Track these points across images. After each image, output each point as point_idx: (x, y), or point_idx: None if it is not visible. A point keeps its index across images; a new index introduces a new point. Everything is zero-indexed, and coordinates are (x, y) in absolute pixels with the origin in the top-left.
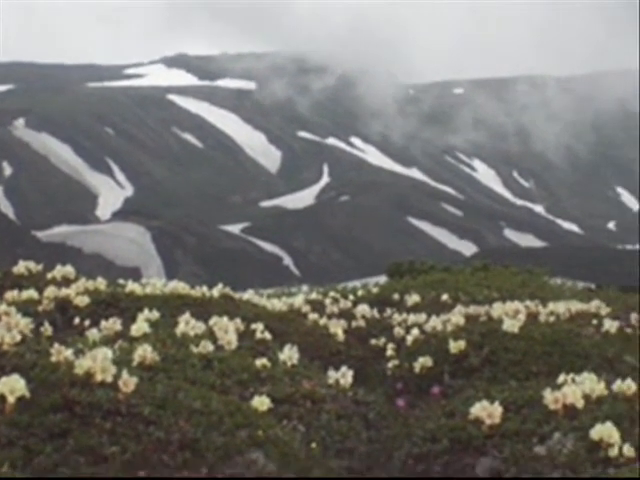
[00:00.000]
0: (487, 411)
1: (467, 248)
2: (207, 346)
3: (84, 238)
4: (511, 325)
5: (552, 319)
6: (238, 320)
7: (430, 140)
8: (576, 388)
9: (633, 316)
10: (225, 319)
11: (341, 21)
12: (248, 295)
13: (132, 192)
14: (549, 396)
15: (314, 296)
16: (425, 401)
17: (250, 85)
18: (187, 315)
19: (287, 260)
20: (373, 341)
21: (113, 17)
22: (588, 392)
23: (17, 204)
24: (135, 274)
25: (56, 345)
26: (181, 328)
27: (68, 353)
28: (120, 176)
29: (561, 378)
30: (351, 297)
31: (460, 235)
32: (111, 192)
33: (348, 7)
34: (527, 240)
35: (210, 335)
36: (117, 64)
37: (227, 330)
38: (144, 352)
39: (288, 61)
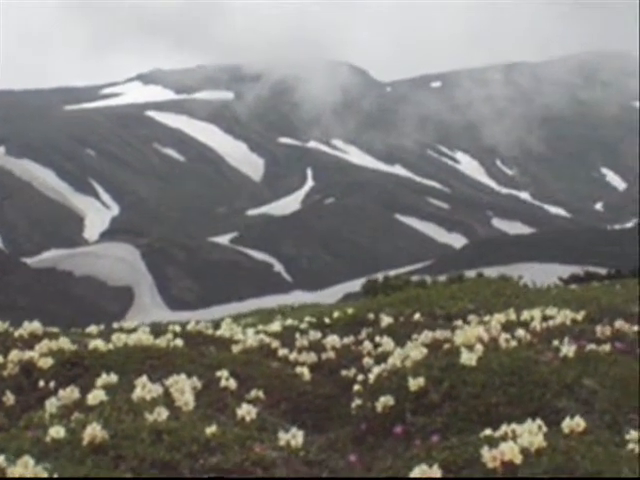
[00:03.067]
0: (427, 474)
1: (457, 240)
2: (161, 413)
3: (74, 261)
4: (468, 358)
5: (513, 344)
6: (195, 379)
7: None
8: (513, 445)
9: (599, 328)
10: (183, 377)
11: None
12: (225, 325)
13: (118, 211)
14: (487, 454)
15: (289, 322)
16: (389, 441)
17: (228, 95)
18: (144, 378)
19: (278, 267)
20: (344, 372)
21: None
22: (527, 445)
23: (4, 232)
24: (127, 293)
25: None
26: (137, 393)
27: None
28: (105, 196)
29: (502, 429)
30: (327, 320)
31: (449, 228)
32: (97, 213)
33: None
34: (516, 228)
35: (167, 396)
36: (93, 84)
37: (183, 391)
38: (93, 431)
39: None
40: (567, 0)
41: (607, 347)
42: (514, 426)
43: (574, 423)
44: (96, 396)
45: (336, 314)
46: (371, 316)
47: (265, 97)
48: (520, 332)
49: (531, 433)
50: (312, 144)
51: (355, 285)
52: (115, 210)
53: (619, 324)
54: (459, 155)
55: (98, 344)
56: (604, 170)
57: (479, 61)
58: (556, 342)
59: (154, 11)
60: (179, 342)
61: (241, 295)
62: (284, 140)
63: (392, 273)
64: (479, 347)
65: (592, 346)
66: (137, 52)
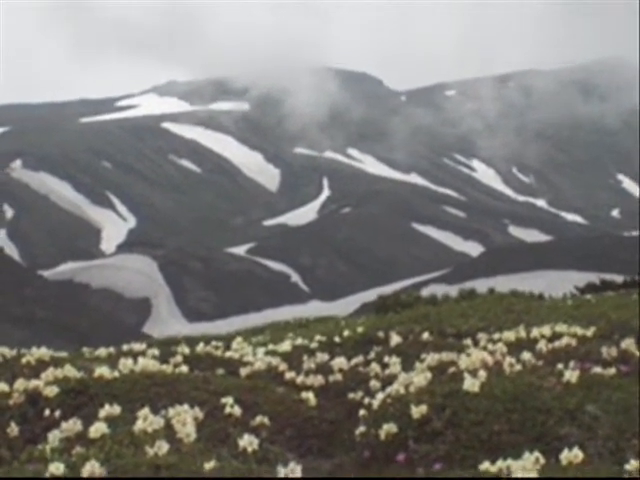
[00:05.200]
0: None
1: (473, 249)
2: (162, 447)
3: (91, 273)
4: (471, 385)
5: (517, 368)
6: (197, 409)
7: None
8: None
9: (604, 349)
10: (185, 408)
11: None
12: (236, 344)
13: (135, 223)
14: None
15: (299, 341)
16: (392, 469)
17: (244, 106)
18: (146, 410)
19: (295, 277)
20: (350, 395)
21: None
22: None
23: (21, 245)
24: (145, 305)
25: None
26: (139, 425)
27: None
28: (121, 208)
29: (497, 464)
30: (336, 339)
31: (465, 236)
32: (114, 225)
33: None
34: (532, 235)
35: (169, 428)
36: (108, 97)
37: (185, 422)
38: (92, 467)
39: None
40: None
41: (612, 370)
42: (509, 462)
43: (572, 455)
44: (98, 429)
45: (346, 333)
46: (381, 334)
47: (267, 107)
48: (525, 355)
49: (525, 469)
50: (328, 154)
51: (372, 295)
52: (132, 222)
53: (626, 343)
54: (475, 163)
55: (104, 371)
56: (620, 177)
57: (495, 70)
58: (561, 365)
59: (136, 27)
60: (184, 368)
61: (258, 306)
62: (299, 150)
63: (409, 282)
64: (482, 373)
65: (597, 369)
66: (120, 67)
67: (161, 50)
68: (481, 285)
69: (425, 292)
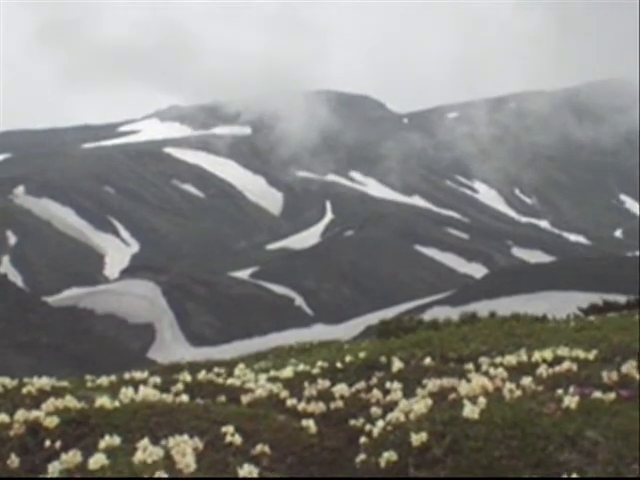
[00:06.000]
0: None
1: (477, 270)
2: (161, 478)
3: (95, 299)
4: (471, 411)
5: (517, 393)
6: (197, 439)
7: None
8: None
9: (605, 374)
10: (185, 438)
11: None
12: (238, 371)
13: (138, 248)
14: None
15: (301, 368)
16: None
17: (246, 131)
18: (145, 441)
19: (299, 300)
20: (352, 421)
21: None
22: None
23: (25, 272)
24: (148, 330)
25: None
26: (138, 456)
27: None
28: (125, 233)
29: None
30: (338, 364)
31: (468, 258)
32: (117, 251)
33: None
34: (535, 256)
35: (168, 459)
36: (110, 122)
37: (185, 453)
38: None
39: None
40: None
41: (612, 395)
42: None
43: None
44: (97, 460)
45: (348, 358)
46: (383, 359)
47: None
48: (525, 380)
49: None
50: (330, 177)
51: (376, 317)
52: (135, 247)
53: (627, 367)
54: (477, 184)
55: (104, 401)
56: (623, 197)
57: (493, 91)
58: (561, 390)
59: (127, 52)
60: (185, 397)
61: (262, 330)
62: (302, 174)
63: (413, 305)
64: (482, 399)
65: (597, 393)
66: (111, 92)
67: (154, 75)
68: (485, 307)
69: (429, 314)
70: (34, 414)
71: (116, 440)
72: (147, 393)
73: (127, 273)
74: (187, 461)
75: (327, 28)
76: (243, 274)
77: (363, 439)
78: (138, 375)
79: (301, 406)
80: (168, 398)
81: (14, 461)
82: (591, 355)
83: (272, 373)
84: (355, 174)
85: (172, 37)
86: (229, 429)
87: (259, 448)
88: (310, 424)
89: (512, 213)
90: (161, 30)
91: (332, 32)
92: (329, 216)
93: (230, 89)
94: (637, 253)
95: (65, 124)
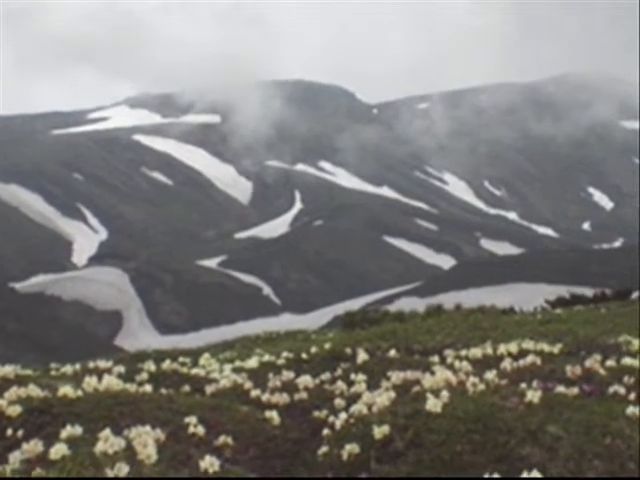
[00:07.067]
0: None
1: (445, 261)
2: (122, 469)
3: (62, 286)
4: (434, 405)
5: (480, 387)
6: (159, 430)
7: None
8: None
9: (569, 368)
10: (147, 429)
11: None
12: (203, 360)
13: (106, 236)
14: None
15: (267, 358)
16: None
17: (215, 119)
18: (107, 431)
19: (267, 290)
20: (316, 413)
21: None
22: None
23: None
24: (116, 317)
25: None
26: (99, 447)
27: None
28: (93, 221)
29: None
30: (304, 355)
31: (437, 249)
32: (85, 237)
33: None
34: (504, 248)
35: (130, 449)
36: (80, 109)
37: (146, 444)
38: None
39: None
40: None
41: (575, 390)
42: None
43: (532, 476)
44: (58, 450)
45: (313, 349)
46: (348, 351)
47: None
48: (489, 374)
49: None
50: (300, 167)
51: (344, 307)
52: (103, 234)
53: (590, 362)
54: (447, 176)
55: (67, 391)
56: (591, 190)
57: (467, 82)
58: (524, 385)
59: (79, 40)
60: (149, 387)
61: (230, 318)
62: (272, 163)
63: (381, 295)
64: (445, 393)
65: (560, 388)
66: (60, 80)
67: (109, 63)
68: (452, 298)
69: (397, 305)
70: None
71: (78, 430)
72: (111, 382)
73: (95, 260)
74: (148, 452)
75: (281, 23)
76: (211, 263)
77: (326, 431)
78: (102, 364)
79: (265, 397)
80: (132, 388)
81: None
82: (556, 349)
83: (237, 363)
84: (324, 164)
85: (127, 27)
86: (192, 420)
87: (222, 439)
88: (274, 415)
89: (481, 205)
90: (116, 20)
91: (288, 27)
92: (298, 206)
93: (192, 79)
94: (605, 246)
95: (13, 112)
